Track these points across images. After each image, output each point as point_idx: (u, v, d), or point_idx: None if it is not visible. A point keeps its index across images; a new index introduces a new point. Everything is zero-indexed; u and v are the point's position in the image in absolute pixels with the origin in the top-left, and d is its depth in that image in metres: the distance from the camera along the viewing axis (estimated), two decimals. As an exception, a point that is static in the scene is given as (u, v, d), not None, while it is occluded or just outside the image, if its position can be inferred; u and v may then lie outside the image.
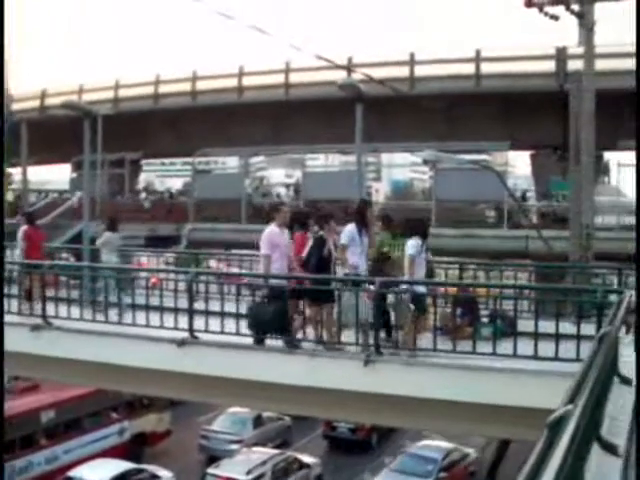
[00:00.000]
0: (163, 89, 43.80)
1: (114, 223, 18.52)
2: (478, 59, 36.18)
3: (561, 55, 33.83)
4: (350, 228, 12.59)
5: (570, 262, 18.83)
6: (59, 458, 24.27)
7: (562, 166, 29.17)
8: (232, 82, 41.66)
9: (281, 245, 12.63)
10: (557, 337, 10.41)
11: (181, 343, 12.84)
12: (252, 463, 25.01)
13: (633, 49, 30.67)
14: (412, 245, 12.47)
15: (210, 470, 25.16)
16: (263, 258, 12.70)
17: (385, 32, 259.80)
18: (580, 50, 21.48)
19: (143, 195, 49.55)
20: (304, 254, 13.10)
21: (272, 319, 12.03)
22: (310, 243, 13.24)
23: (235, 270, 22.59)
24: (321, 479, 27.21)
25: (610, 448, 5.58)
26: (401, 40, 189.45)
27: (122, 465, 24.13)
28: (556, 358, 10.24)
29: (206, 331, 12.91)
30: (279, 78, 40.39)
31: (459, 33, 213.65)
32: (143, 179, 60.41)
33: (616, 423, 6.40)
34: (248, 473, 24.31)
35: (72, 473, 23.21)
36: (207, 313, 13.31)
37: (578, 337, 10.16)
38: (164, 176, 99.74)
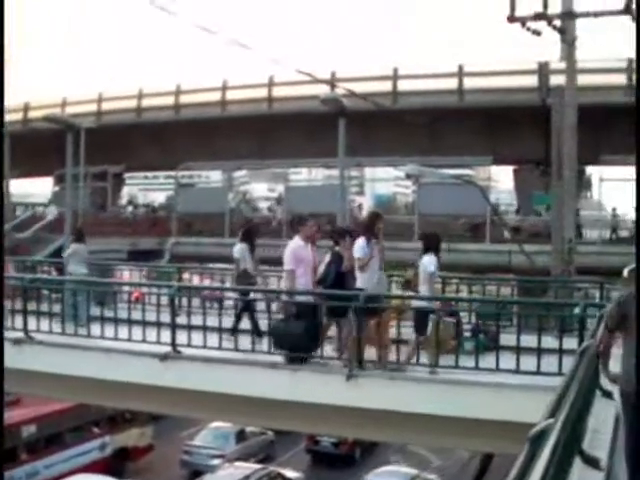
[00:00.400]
0: (146, 103, 43.77)
1: (81, 235, 18.54)
2: (461, 74, 36.37)
3: (543, 70, 34.04)
4: (361, 242, 12.28)
5: (552, 276, 18.90)
6: (40, 473, 24.09)
7: (545, 181, 29.33)
8: (215, 96, 41.69)
9: (306, 259, 12.40)
10: (539, 351, 10.46)
11: (163, 357, 12.79)
12: (234, 478, 24.79)
13: (616, 64, 30.87)
14: (430, 262, 12.37)
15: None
16: (287, 274, 12.40)
17: (369, 47, 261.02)
18: (562, 65, 21.64)
19: (130, 209, 49.38)
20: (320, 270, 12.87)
21: (302, 337, 11.75)
22: (327, 259, 13.04)
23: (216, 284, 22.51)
24: (304, 495, 26.99)
25: (592, 462, 5.61)
26: (385, 55, 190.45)
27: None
28: (538, 372, 10.29)
29: (189, 345, 12.90)
30: (262, 92, 40.44)
31: (442, 48, 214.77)
32: (126, 192, 60.25)
33: (598, 436, 6.44)
34: None
35: None
36: (189, 327, 13.30)
37: (560, 351, 10.22)
38: (147, 190, 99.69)
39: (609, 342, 6.43)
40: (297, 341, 11.79)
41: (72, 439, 25.67)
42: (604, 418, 6.69)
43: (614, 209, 35.09)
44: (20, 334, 14.36)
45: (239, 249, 15.34)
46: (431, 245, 12.76)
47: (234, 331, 13.59)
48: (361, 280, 12.12)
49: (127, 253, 35.02)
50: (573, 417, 4.70)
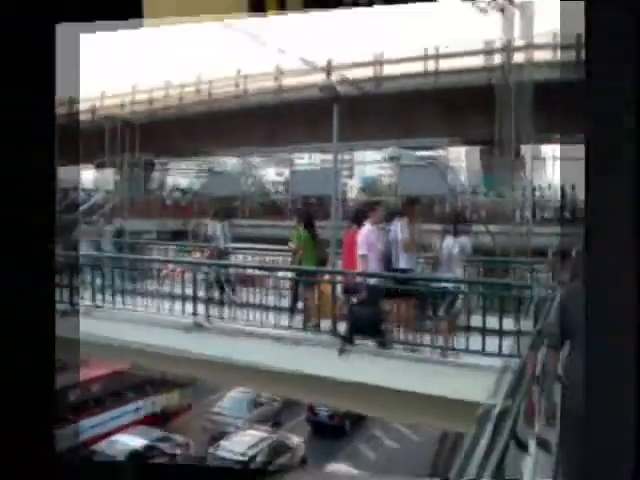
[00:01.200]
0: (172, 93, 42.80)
1: None
2: (426, 57, 34.41)
3: (500, 49, 31.88)
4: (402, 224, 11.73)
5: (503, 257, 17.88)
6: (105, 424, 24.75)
7: (499, 161, 28.19)
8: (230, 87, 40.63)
9: (376, 244, 11.56)
10: (501, 333, 9.96)
11: (190, 328, 12.79)
12: (247, 444, 24.32)
13: (567, 41, 27.06)
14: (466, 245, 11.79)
15: (210, 450, 24.50)
16: (361, 258, 11.42)
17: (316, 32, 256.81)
18: (516, 43, 20.05)
19: (177, 194, 48.84)
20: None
21: (373, 320, 11.04)
22: None
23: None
24: (305, 461, 25.94)
25: (543, 444, 5.42)
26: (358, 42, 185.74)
27: (154, 433, 24.68)
28: (500, 354, 9.76)
29: (208, 317, 12.93)
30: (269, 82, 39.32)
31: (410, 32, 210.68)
32: (156, 178, 59.91)
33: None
34: (243, 454, 23.65)
35: (114, 438, 23.76)
36: (208, 301, 13.23)
37: (518, 333, 9.69)
38: (175, 175, 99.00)
39: (554, 362, 4.96)
40: (371, 324, 11.08)
41: (131, 395, 26.49)
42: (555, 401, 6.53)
43: (530, 190, 33.37)
44: (66, 306, 14.29)
45: (213, 226, 15.09)
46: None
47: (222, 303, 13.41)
48: (405, 261, 11.56)
49: (156, 233, 34.53)
50: (521, 399, 4.56)
